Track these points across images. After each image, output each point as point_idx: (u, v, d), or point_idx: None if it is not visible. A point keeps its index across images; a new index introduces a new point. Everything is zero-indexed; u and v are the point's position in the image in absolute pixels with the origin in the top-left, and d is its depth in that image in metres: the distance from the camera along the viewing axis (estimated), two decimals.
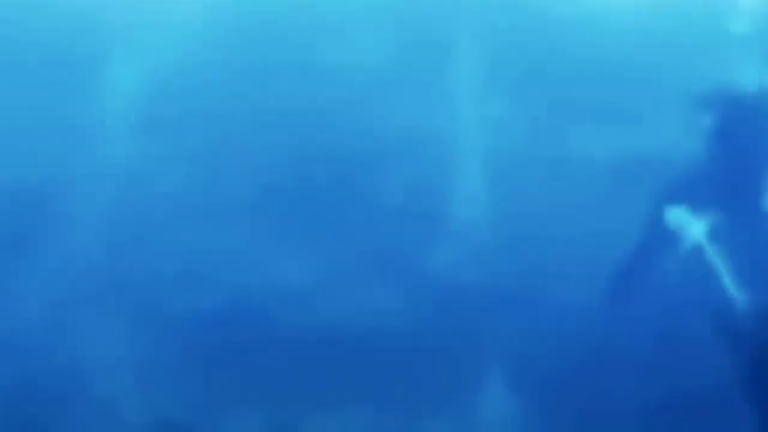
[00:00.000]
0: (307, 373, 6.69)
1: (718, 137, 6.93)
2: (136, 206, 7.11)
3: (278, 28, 7.16)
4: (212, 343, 6.61)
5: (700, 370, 6.60)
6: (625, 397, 6.71)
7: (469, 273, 6.97)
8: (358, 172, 7.08)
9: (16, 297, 6.74)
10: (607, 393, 6.74)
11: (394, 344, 6.85)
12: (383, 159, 7.06)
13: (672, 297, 6.71)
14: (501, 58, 7.23)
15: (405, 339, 6.88)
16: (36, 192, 7.07)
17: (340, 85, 7.09)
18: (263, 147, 7.12)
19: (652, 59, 7.23)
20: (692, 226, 6.74)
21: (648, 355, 6.73)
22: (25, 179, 7.12)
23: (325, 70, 7.11)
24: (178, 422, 6.38)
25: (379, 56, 7.16)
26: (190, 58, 7.31)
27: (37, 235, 6.98)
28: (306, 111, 7.07)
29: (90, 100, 7.28)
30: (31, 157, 7.16)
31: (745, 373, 6.35)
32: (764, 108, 6.93)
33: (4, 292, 6.77)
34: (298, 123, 7.06)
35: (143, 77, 7.28)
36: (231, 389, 6.60)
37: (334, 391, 6.68)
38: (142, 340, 6.70)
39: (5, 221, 7.03)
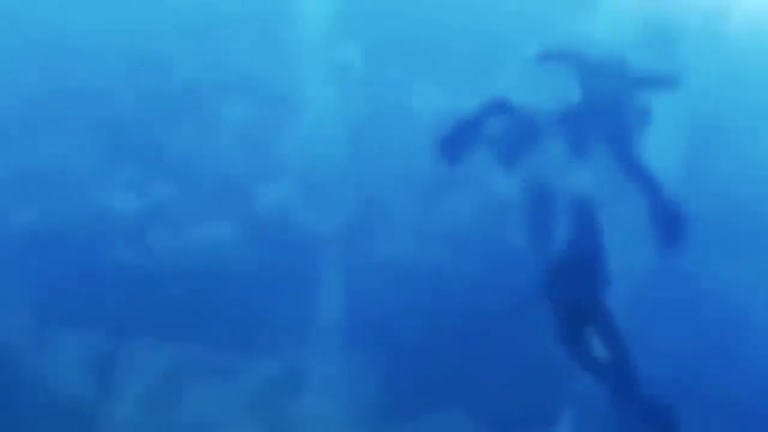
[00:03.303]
0: (135, 303, 6.82)
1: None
2: None
3: None
4: (38, 268, 6.64)
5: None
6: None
7: (303, 213, 7.13)
8: (202, 106, 7.15)
9: None
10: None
11: (228, 280, 6.96)
12: (226, 96, 7.14)
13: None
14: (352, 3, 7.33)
15: (239, 276, 6.98)
16: None
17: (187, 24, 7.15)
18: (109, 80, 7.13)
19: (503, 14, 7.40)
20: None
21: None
22: None
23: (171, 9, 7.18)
24: (3, 344, 6.40)
25: None
26: None
27: None
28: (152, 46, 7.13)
29: None
30: None
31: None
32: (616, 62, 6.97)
33: None
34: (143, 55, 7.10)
35: None
36: (58, 315, 6.70)
37: (162, 323, 6.78)
38: None
39: None
